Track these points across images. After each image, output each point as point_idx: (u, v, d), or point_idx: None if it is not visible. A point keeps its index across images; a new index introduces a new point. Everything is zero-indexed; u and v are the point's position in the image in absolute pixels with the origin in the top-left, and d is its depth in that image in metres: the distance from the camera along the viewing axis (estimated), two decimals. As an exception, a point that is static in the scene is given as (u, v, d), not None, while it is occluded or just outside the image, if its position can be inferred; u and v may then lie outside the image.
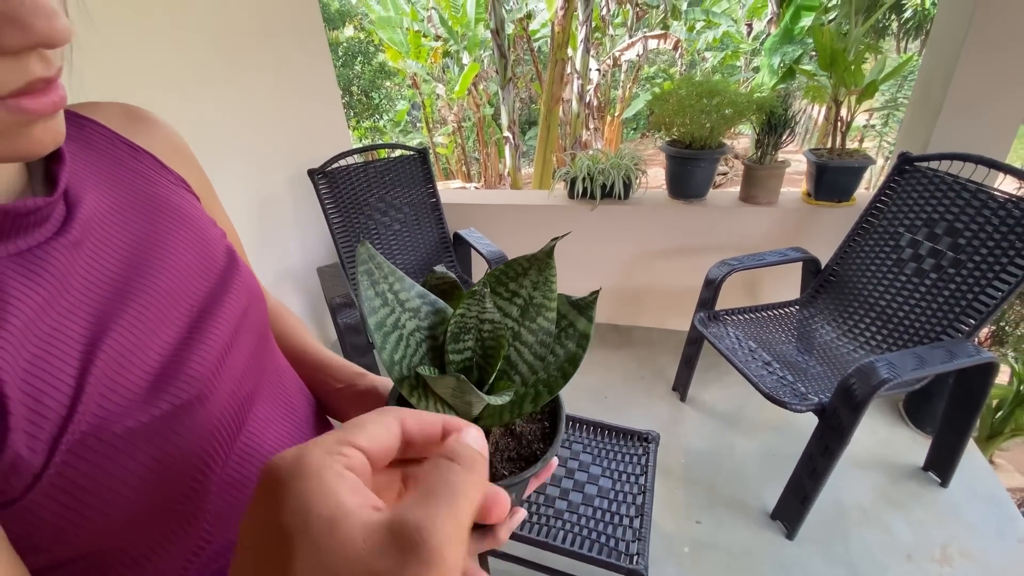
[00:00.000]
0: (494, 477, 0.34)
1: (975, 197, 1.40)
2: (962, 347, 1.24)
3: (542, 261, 0.33)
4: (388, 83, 8.56)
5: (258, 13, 1.77)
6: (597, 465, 1.16)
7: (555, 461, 0.41)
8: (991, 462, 1.91)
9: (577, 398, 1.97)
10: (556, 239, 0.34)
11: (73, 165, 0.36)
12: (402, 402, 0.38)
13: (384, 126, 8.54)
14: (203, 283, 0.41)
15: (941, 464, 1.50)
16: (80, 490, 0.30)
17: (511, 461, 0.35)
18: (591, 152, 2.21)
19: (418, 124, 9.73)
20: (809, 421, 1.30)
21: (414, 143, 9.03)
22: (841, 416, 1.19)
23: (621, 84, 8.74)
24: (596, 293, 0.34)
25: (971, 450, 1.59)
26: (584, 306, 0.34)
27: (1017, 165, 1.35)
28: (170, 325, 0.37)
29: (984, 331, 1.77)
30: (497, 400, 0.31)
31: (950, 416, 1.42)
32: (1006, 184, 1.44)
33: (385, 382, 0.53)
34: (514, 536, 1.02)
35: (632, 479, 1.12)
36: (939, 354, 1.21)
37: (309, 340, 0.60)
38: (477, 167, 9.37)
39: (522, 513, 0.40)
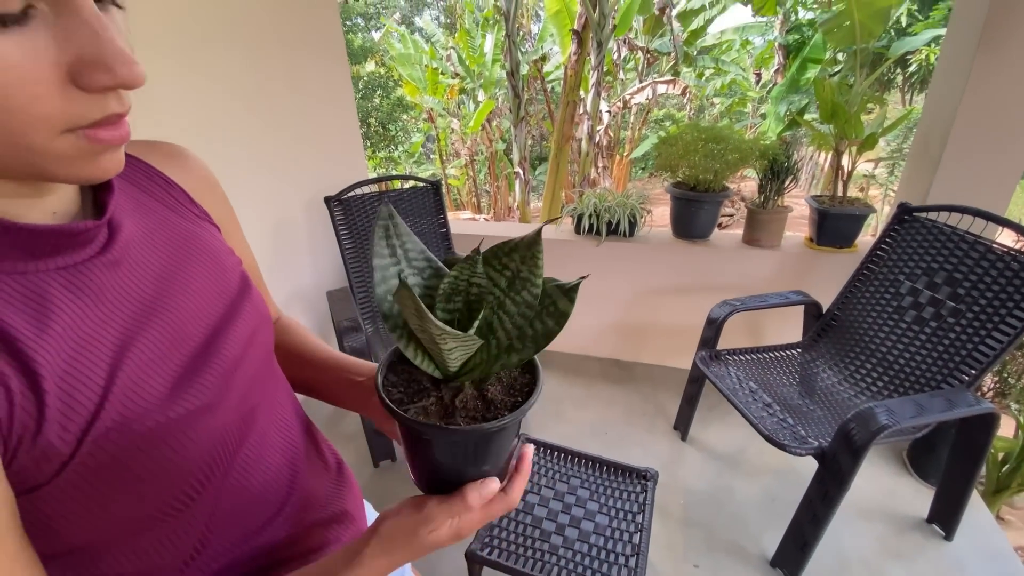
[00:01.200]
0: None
1: (973, 249, 1.42)
2: (962, 396, 1.24)
3: (531, 238, 0.37)
4: (405, 116, 8.83)
5: (287, 50, 1.87)
6: (594, 501, 1.16)
7: (530, 450, 0.44)
8: (999, 518, 1.86)
9: (577, 433, 1.96)
10: (544, 224, 0.38)
11: (116, 194, 0.41)
12: (399, 358, 0.42)
13: (399, 157, 8.77)
14: (218, 305, 0.45)
15: (945, 517, 1.47)
16: (100, 480, 0.33)
17: (474, 420, 0.38)
18: (598, 190, 2.27)
19: (432, 156, 9.99)
20: (811, 466, 1.29)
21: (427, 174, 9.25)
22: (841, 461, 1.19)
23: (630, 125, 8.97)
24: (582, 278, 0.37)
25: (977, 504, 1.56)
26: (569, 289, 0.37)
27: (1017, 218, 1.38)
28: (188, 340, 0.41)
29: (987, 382, 1.77)
30: (459, 335, 0.34)
31: (953, 467, 1.40)
32: (1003, 237, 1.47)
33: None
34: (508, 569, 1.02)
35: (629, 517, 1.12)
36: (938, 403, 1.22)
37: (326, 345, 0.65)
38: (487, 199, 9.55)
39: (522, 477, 0.44)
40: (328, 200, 1.94)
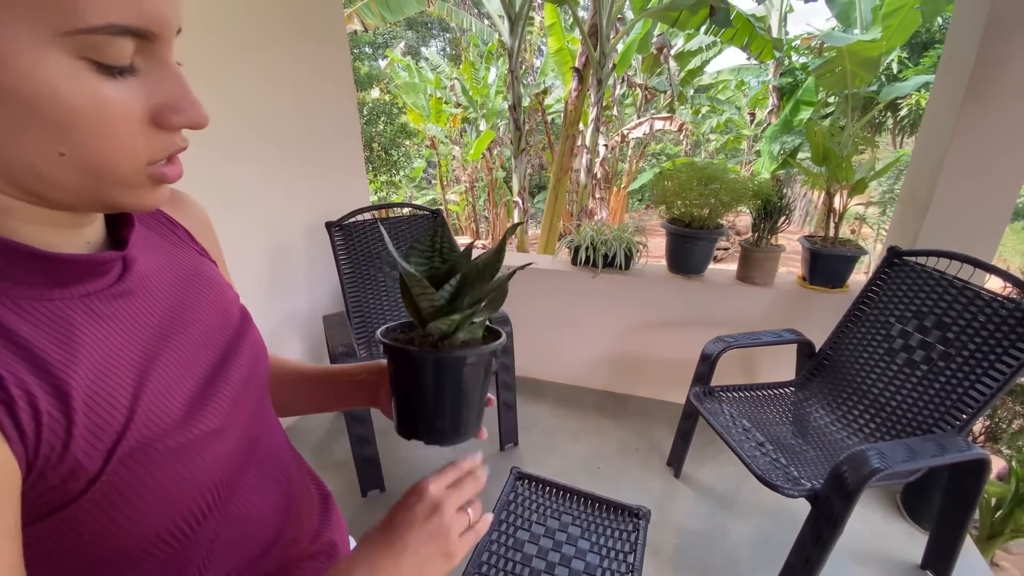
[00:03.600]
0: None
1: (962, 294, 1.45)
2: (953, 441, 1.25)
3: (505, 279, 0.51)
4: (408, 142, 8.98)
5: (297, 78, 1.93)
6: (585, 539, 1.14)
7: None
8: (994, 564, 1.84)
9: (570, 467, 1.94)
10: (512, 228, 0.52)
11: (136, 229, 0.44)
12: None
13: (400, 181, 8.88)
14: (224, 334, 0.48)
15: (939, 562, 1.45)
16: (121, 499, 0.34)
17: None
18: (595, 221, 2.30)
19: (433, 181, 10.12)
20: (804, 508, 1.28)
21: (428, 199, 9.35)
22: (834, 504, 1.18)
23: (628, 158, 9.15)
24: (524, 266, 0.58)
25: (971, 550, 1.55)
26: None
27: (1007, 259, 1.41)
28: (198, 366, 0.43)
29: (978, 427, 1.77)
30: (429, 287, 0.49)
31: (946, 513, 1.40)
32: (992, 283, 1.50)
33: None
34: (496, 609, 1.00)
35: (621, 556, 1.10)
36: (930, 447, 1.22)
37: (320, 364, 0.69)
38: (486, 225, 9.64)
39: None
40: (329, 225, 1.96)
